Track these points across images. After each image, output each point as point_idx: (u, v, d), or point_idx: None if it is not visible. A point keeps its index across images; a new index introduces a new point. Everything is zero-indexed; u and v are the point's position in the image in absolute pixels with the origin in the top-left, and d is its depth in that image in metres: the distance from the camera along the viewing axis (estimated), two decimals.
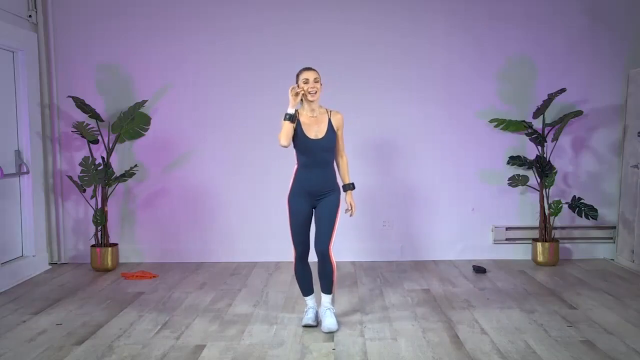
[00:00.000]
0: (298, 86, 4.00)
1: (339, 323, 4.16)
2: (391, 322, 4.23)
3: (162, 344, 3.85)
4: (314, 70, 4.04)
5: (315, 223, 4.08)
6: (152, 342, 3.89)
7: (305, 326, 4.15)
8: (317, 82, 4.00)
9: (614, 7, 6.11)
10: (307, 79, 3.98)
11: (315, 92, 3.98)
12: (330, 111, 4.10)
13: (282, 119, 3.96)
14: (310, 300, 4.25)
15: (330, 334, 4.00)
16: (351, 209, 4.16)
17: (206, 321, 4.31)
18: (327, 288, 4.15)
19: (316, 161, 4.02)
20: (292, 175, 4.08)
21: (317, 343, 3.85)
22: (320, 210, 4.06)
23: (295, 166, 4.09)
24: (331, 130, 4.03)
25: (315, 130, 4.01)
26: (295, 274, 4.20)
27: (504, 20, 6.10)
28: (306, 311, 4.24)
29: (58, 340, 3.93)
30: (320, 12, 6.07)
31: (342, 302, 4.76)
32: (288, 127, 3.93)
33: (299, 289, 4.30)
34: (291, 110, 3.94)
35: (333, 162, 4.14)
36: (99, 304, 4.75)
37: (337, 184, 4.13)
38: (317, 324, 4.17)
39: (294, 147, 4.06)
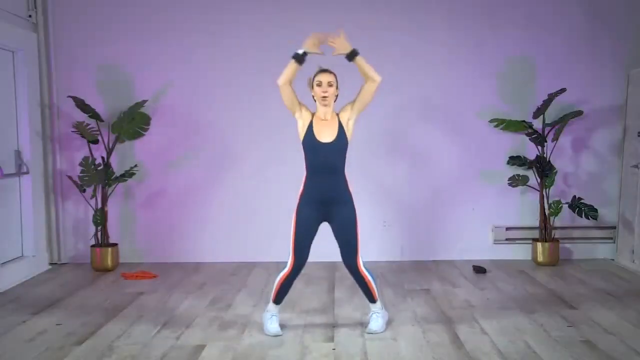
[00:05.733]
0: (312, 89, 3.87)
1: (381, 326, 4.04)
2: (391, 322, 4.23)
3: (162, 344, 3.84)
4: (329, 72, 3.85)
5: (337, 240, 3.92)
6: (152, 342, 3.89)
7: (276, 335, 3.96)
8: (331, 86, 3.82)
9: (614, 7, 6.11)
10: (320, 82, 3.82)
11: (327, 97, 3.81)
12: (338, 113, 3.93)
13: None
14: (275, 308, 4.04)
15: (330, 335, 4.00)
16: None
17: (206, 321, 4.31)
18: (370, 298, 4.03)
19: (326, 165, 3.83)
20: (301, 186, 3.90)
21: (317, 343, 3.85)
22: (338, 228, 3.89)
23: (304, 176, 3.90)
24: (342, 132, 3.85)
25: (326, 134, 3.84)
26: (281, 283, 3.95)
27: (504, 20, 6.10)
28: (271, 318, 4.01)
29: (58, 340, 3.92)
30: (321, 12, 6.05)
31: (342, 302, 4.76)
32: (290, 67, 3.79)
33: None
34: (300, 50, 3.75)
35: (344, 170, 3.90)
36: (99, 304, 4.75)
37: (349, 193, 3.90)
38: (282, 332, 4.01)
39: (303, 150, 3.88)
